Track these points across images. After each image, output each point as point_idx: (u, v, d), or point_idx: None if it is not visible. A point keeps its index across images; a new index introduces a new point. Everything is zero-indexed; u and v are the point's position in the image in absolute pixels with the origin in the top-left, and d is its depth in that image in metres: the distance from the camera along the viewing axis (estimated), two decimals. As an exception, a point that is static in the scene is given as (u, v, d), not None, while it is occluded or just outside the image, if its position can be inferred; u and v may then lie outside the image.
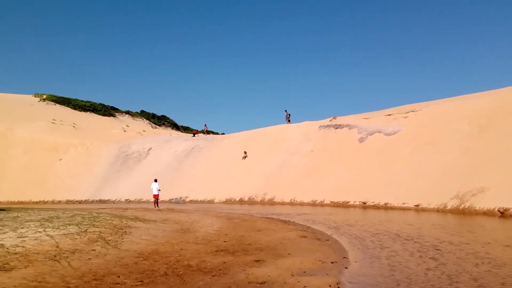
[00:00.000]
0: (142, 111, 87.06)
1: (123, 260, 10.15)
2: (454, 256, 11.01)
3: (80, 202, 39.98)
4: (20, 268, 8.65)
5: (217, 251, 11.67)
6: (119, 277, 8.70)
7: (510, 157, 22.17)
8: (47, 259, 9.52)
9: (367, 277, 9.38)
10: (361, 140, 32.79)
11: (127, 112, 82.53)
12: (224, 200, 34.57)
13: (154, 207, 27.09)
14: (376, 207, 25.43)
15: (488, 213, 19.57)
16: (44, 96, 77.37)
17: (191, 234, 14.70)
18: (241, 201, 33.51)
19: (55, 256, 9.88)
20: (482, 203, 20.30)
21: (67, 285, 7.88)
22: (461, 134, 26.63)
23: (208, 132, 57.92)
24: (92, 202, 39.47)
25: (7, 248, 10.20)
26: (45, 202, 40.20)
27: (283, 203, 30.74)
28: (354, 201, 27.08)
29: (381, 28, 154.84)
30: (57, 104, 74.58)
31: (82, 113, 73.40)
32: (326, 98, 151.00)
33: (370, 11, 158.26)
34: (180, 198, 36.26)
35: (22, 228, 13.26)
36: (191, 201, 35.62)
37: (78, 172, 44.42)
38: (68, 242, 11.39)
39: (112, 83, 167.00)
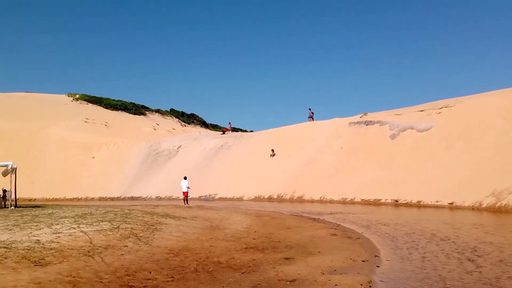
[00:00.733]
0: (172, 110, 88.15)
1: (154, 256, 10.27)
2: (494, 258, 10.45)
3: (112, 199, 40.79)
4: (55, 263, 8.85)
5: (246, 248, 11.66)
6: (150, 272, 8.80)
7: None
8: (81, 255, 9.72)
9: (400, 277, 9.17)
10: (392, 136, 32.18)
11: (157, 111, 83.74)
12: (253, 197, 34.59)
13: (183, 204, 27.35)
14: (408, 205, 24.92)
15: (526, 212, 18.87)
16: (77, 96, 79.37)
17: (221, 231, 14.76)
18: (270, 199, 33.45)
19: (88, 251, 10.07)
20: (520, 201, 19.58)
21: (100, 280, 8.01)
22: (496, 130, 25.78)
23: (233, 130, 58.05)
24: (123, 199, 40.20)
25: (42, 244, 10.47)
26: (78, 199, 41.20)
27: (312, 201, 30.51)
28: (386, 199, 26.60)
29: (412, 23, 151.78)
30: (89, 104, 76.37)
31: (114, 112, 74.90)
32: (357, 95, 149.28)
33: (398, 6, 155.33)
34: (209, 195, 36.50)
35: (57, 224, 13.61)
36: (220, 199, 35.80)
37: (110, 169, 45.31)
38: (101, 238, 11.60)
39: (143, 82, 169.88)
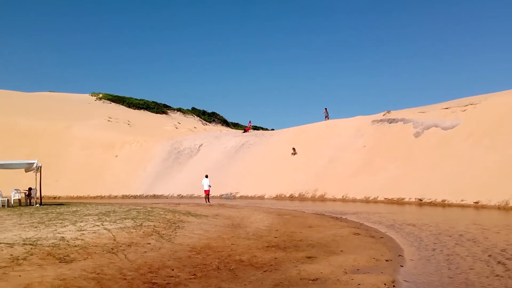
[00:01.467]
0: (193, 108, 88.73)
1: (177, 253, 10.31)
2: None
3: (134, 197, 41.26)
4: (80, 260, 8.97)
5: (268, 246, 11.62)
6: (173, 270, 8.84)
7: None
8: (105, 252, 9.83)
9: (424, 277, 9.00)
10: (416, 134, 31.67)
11: (179, 110, 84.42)
12: (274, 196, 34.50)
13: (205, 202, 27.46)
14: (432, 204, 24.48)
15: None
16: (100, 95, 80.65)
17: (242, 229, 14.75)
18: (291, 197, 33.32)
19: (112, 249, 10.18)
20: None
21: (124, 277, 8.08)
22: (523, 127, 25.11)
23: (253, 128, 58.03)
24: (146, 197, 40.62)
25: (67, 241, 10.63)
26: (102, 197, 41.81)
27: (334, 200, 30.26)
28: (410, 198, 26.19)
29: (437, 21, 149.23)
30: (112, 103, 77.49)
31: (136, 111, 75.81)
32: (380, 93, 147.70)
33: (421, 4, 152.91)
34: (231, 193, 36.57)
35: (81, 221, 13.83)
36: (241, 197, 35.83)
37: (132, 168, 45.84)
38: (124, 236, 11.72)
39: (164, 81, 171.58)
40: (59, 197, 40.19)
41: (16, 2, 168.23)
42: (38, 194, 24.24)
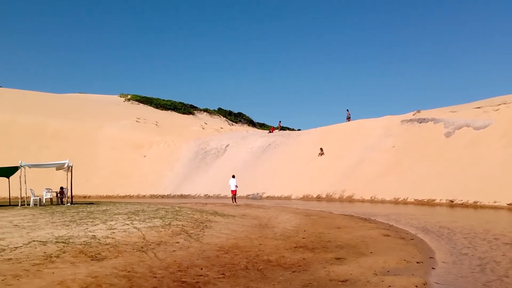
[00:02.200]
0: (220, 109, 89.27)
1: (205, 253, 10.35)
2: None
3: (162, 196, 41.73)
4: (111, 258, 9.10)
5: (296, 247, 11.54)
6: (202, 269, 8.87)
7: None
8: (135, 250, 9.95)
9: (457, 280, 8.77)
10: (447, 134, 30.95)
11: (205, 110, 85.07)
12: (301, 196, 34.28)
13: (232, 202, 27.50)
14: (464, 205, 23.85)
15: None
16: (129, 96, 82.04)
17: (270, 229, 14.70)
18: (319, 198, 33.02)
19: (142, 247, 10.30)
20: None
21: (154, 276, 8.15)
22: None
23: (282, 128, 57.95)
24: (173, 196, 41.02)
25: (98, 239, 10.81)
26: (130, 197, 42.45)
27: (362, 201, 29.82)
28: (440, 199, 25.59)
29: (467, 20, 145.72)
30: (140, 104, 78.71)
31: (164, 111, 76.75)
32: (409, 92, 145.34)
33: (453, 2, 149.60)
34: (257, 194, 36.54)
35: (112, 220, 14.04)
36: (268, 197, 35.75)
37: (160, 168, 46.39)
38: (153, 235, 11.85)
39: (191, 82, 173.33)
40: (89, 196, 41.03)
41: (44, 5, 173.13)
42: (69, 194, 24.79)
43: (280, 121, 57.76)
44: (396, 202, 27.80)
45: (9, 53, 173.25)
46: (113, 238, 11.06)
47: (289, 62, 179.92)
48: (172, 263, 9.10)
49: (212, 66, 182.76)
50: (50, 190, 25.39)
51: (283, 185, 36.22)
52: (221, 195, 37.42)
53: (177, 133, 54.64)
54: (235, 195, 28.35)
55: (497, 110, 30.06)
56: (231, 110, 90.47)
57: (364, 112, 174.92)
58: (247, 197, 35.91)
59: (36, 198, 23.36)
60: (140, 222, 13.68)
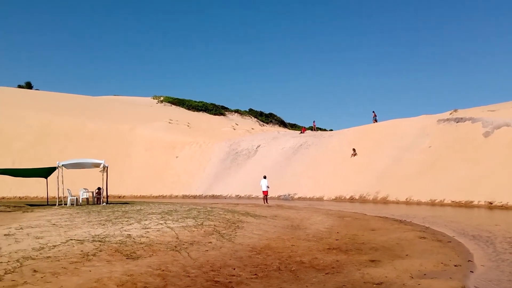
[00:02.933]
0: (250, 110, 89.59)
1: (237, 253, 10.35)
2: None
3: (194, 197, 42.14)
4: (145, 257, 9.23)
5: (329, 249, 11.41)
6: (234, 269, 8.87)
7: None
8: (168, 249, 10.06)
9: (496, 284, 8.42)
10: (486, 134, 29.92)
11: (236, 111, 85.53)
12: (333, 197, 33.88)
13: (263, 203, 27.47)
14: (504, 207, 22.99)
15: None
16: (162, 98, 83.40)
17: (302, 230, 14.59)
18: (352, 199, 32.55)
19: (175, 247, 10.39)
20: None
21: (188, 275, 8.21)
22: None
23: (316, 129, 57.55)
24: (205, 197, 41.35)
25: (133, 238, 10.99)
26: (163, 197, 43.06)
27: (397, 202, 29.16)
28: (479, 201, 24.76)
29: (504, 18, 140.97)
30: (173, 105, 79.89)
31: (195, 113, 77.62)
32: (446, 91, 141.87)
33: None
34: (289, 194, 36.36)
35: (146, 220, 14.25)
36: (299, 198, 35.52)
37: (192, 168, 46.88)
38: (186, 234, 11.94)
39: (222, 83, 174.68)
40: (124, 196, 41.86)
41: (79, 9, 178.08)
42: (104, 193, 25.38)
43: (314, 121, 57.31)
44: (432, 203, 27.08)
45: (47, 58, 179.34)
46: (147, 237, 11.22)
47: (321, 62, 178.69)
48: (205, 263, 9.15)
49: (244, 67, 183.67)
50: (87, 190, 26.05)
51: (315, 186, 35.91)
52: (252, 196, 37.43)
53: (208, 134, 55.10)
54: (266, 195, 28.31)
55: (539, 108, 28.90)
56: (262, 110, 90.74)
57: (399, 112, 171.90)
58: (279, 198, 35.80)
59: (73, 198, 24.00)
60: (173, 222, 13.82)
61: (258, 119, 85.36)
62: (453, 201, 26.16)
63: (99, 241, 10.53)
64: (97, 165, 25.03)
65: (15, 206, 21.83)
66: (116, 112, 63.66)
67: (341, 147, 39.58)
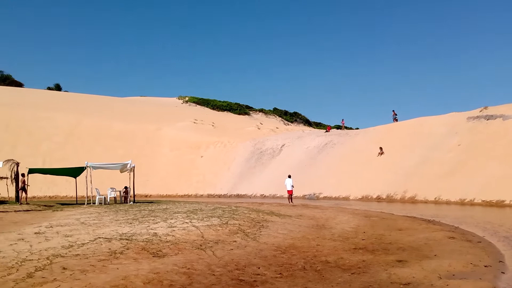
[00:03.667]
0: (275, 109, 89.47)
1: (262, 252, 10.34)
2: None
3: (219, 196, 42.34)
4: (171, 255, 9.33)
5: (355, 248, 11.28)
6: (259, 268, 8.87)
7: None
8: (194, 248, 10.13)
9: (530, 285, 8.15)
10: (517, 131, 29.02)
11: (261, 110, 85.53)
12: (360, 197, 33.46)
13: (288, 202, 27.39)
14: (537, 207, 22.29)
15: None
16: (187, 98, 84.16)
17: (327, 230, 14.47)
18: (379, 199, 32.07)
19: (201, 245, 10.47)
20: None
21: (213, 273, 8.25)
22: None
23: (345, 128, 57.13)
24: (230, 196, 41.48)
25: (159, 237, 11.12)
26: (189, 196, 43.44)
27: (426, 202, 28.58)
28: (510, 200, 24.05)
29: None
30: (197, 105, 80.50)
31: (220, 112, 78.00)
32: (476, 88, 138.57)
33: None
34: (314, 194, 36.13)
35: (171, 219, 14.41)
36: (324, 198, 35.23)
37: (217, 168, 47.13)
38: (211, 233, 12.01)
39: (247, 83, 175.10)
40: (150, 195, 42.41)
41: (103, 14, 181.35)
42: (131, 193, 25.79)
43: (343, 120, 56.87)
44: (462, 203, 26.46)
45: (76, 61, 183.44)
46: (173, 236, 11.34)
47: (346, 59, 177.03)
48: (230, 261, 9.17)
49: (268, 66, 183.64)
50: (114, 189, 26.51)
51: (340, 185, 35.56)
52: (277, 195, 37.35)
53: (233, 134, 55.27)
54: (291, 195, 28.21)
55: None
56: (286, 109, 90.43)
57: (426, 110, 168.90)
58: (304, 197, 35.60)
59: (101, 197, 24.47)
60: (199, 221, 13.92)
61: (282, 118, 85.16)
62: (483, 201, 25.49)
63: (126, 239, 10.69)
64: (124, 167, 25.50)
65: (45, 205, 22.40)
66: (142, 112, 64.53)
67: (367, 145, 39.08)
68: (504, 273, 9.04)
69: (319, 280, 8.26)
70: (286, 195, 28.96)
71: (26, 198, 23.38)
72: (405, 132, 38.05)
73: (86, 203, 23.46)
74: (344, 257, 10.22)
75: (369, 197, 32.71)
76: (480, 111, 34.52)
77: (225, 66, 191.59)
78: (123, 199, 26.04)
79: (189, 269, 8.36)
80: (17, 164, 23.60)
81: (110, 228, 12.45)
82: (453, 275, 8.63)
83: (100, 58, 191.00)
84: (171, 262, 8.76)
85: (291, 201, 27.80)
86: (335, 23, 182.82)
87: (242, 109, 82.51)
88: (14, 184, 23.44)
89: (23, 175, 22.92)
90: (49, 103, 60.18)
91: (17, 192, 23.36)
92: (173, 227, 12.66)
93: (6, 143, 43.72)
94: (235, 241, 11.31)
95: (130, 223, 13.43)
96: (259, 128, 62.60)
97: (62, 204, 23.89)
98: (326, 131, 51.36)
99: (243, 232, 12.60)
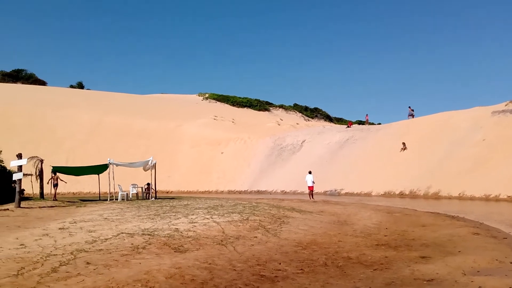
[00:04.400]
0: (295, 104, 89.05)
1: (283, 248, 10.32)
2: None
3: (240, 192, 42.43)
4: (193, 251, 9.39)
5: (377, 245, 11.16)
6: (280, 264, 8.85)
7: None
8: (215, 243, 10.18)
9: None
10: (544, 125, 28.22)
11: (281, 106, 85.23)
12: (382, 193, 33.06)
13: (309, 198, 27.31)
14: None
15: None
16: (207, 95, 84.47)
17: (349, 226, 14.37)
18: (401, 195, 31.64)
19: (221, 241, 10.51)
20: None
21: (234, 268, 8.27)
22: None
23: (368, 123, 56.60)
24: (250, 192, 41.53)
25: (181, 232, 11.21)
26: (209, 192, 43.66)
27: (450, 198, 28.08)
28: (537, 196, 23.46)
29: None
30: (217, 102, 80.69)
31: (240, 109, 78.04)
32: (500, 81, 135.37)
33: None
34: (335, 190, 35.89)
35: (193, 214, 14.51)
36: (346, 194, 34.95)
37: (237, 164, 47.24)
38: (232, 229, 12.05)
39: (267, 79, 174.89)
40: (171, 191, 42.80)
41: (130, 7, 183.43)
42: (153, 189, 26.09)
43: (367, 115, 56.28)
44: (487, 199, 25.91)
45: (99, 59, 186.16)
46: (194, 231, 11.41)
47: (367, 54, 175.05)
48: (251, 257, 9.18)
49: (288, 62, 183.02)
50: (136, 186, 26.85)
51: (362, 181, 35.21)
52: (298, 191, 37.23)
53: (253, 130, 55.28)
54: (312, 191, 28.12)
55: None
56: (307, 105, 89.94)
57: (450, 104, 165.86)
58: (325, 193, 35.40)
59: (124, 193, 24.83)
60: (219, 217, 13.98)
61: (303, 114, 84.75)
62: (509, 196, 24.89)
63: (148, 234, 10.81)
64: (146, 165, 25.83)
65: (69, 201, 22.85)
66: (163, 110, 65.05)
67: (390, 141, 38.58)
68: (531, 270, 8.82)
69: (341, 276, 8.20)
70: (307, 191, 28.88)
71: (55, 194, 23.96)
72: (429, 127, 37.41)
73: (108, 199, 23.84)
74: (366, 253, 10.12)
75: (392, 193, 32.30)
76: (506, 105, 33.70)
77: (245, 62, 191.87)
78: (145, 195, 26.36)
79: (210, 264, 8.40)
80: (41, 161, 24.11)
81: (132, 224, 12.61)
82: (478, 271, 8.45)
83: (122, 56, 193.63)
84: (193, 257, 8.81)
85: (312, 197, 27.71)
86: (355, 16, 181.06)
87: (262, 105, 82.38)
88: (39, 180, 23.95)
89: (55, 172, 23.63)
90: (72, 101, 61.15)
91: (41, 188, 23.88)
92: (194, 222, 12.74)
93: (30, 141, 44.60)
94: (256, 236, 11.32)
95: (152, 219, 13.58)
96: (279, 124, 62.43)
97: (85, 201, 24.33)
98: (348, 126, 50.93)
99: (264, 228, 12.60)
